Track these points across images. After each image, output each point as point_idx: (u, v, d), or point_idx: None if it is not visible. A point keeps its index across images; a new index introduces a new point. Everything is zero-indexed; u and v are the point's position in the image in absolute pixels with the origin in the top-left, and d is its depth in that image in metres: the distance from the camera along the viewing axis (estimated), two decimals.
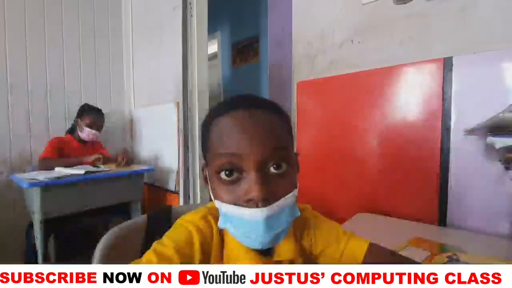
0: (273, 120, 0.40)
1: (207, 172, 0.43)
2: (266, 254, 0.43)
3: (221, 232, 0.43)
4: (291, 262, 0.45)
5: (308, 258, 0.48)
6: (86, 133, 1.74)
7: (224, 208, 0.38)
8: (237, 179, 0.37)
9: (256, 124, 0.38)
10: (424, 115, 0.87)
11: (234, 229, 0.38)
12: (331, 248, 0.46)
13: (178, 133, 1.76)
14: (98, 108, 1.85)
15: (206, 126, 0.42)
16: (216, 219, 0.42)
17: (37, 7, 1.83)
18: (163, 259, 0.36)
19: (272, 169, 0.37)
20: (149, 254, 0.37)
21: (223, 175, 0.38)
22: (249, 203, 0.36)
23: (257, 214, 0.35)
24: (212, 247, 0.42)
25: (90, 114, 1.77)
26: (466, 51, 0.80)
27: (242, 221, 0.36)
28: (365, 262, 0.43)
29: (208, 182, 0.42)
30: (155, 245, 0.38)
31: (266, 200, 0.35)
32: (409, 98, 0.90)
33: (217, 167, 0.38)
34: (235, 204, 0.37)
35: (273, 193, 0.36)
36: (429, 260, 0.58)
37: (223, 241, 0.43)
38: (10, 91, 1.73)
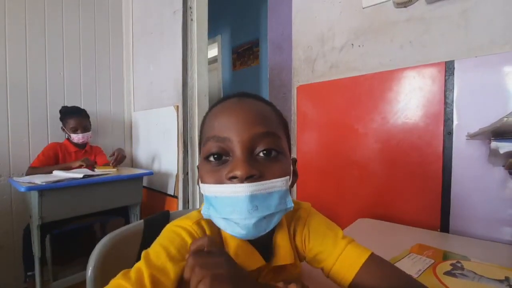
0: (264, 107, 0.40)
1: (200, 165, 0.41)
2: (265, 259, 0.41)
3: (220, 236, 0.41)
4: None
5: (302, 259, 0.45)
6: (75, 138, 1.72)
7: (207, 189, 0.36)
8: (225, 161, 0.36)
9: (245, 108, 0.38)
10: (426, 120, 0.86)
11: (216, 212, 0.36)
12: (325, 252, 0.42)
13: (178, 136, 1.75)
14: (77, 108, 1.79)
15: (202, 121, 0.43)
16: (209, 223, 0.40)
17: (38, 10, 1.83)
18: (155, 270, 0.33)
19: (261, 154, 0.36)
20: (139, 264, 0.34)
21: (211, 159, 0.37)
22: (233, 181, 0.34)
23: (240, 189, 0.33)
24: None
25: (71, 117, 1.71)
26: (468, 55, 0.79)
27: (224, 199, 0.34)
28: (359, 273, 0.39)
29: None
30: (145, 254, 0.35)
31: (251, 178, 0.34)
32: (410, 102, 0.89)
33: (206, 152, 0.37)
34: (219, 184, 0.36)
35: (260, 173, 0.35)
36: (432, 268, 0.56)
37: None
38: (9, 94, 1.72)
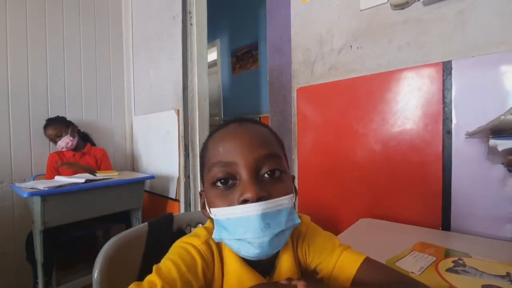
0: (263, 130, 0.42)
1: (204, 195, 0.42)
2: (265, 275, 0.42)
3: (221, 257, 0.42)
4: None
5: (304, 270, 0.46)
6: (59, 147, 1.75)
7: (219, 212, 0.37)
8: (232, 185, 0.37)
9: (246, 132, 0.39)
10: (425, 119, 0.87)
11: (229, 235, 0.37)
12: (323, 263, 0.44)
13: (179, 140, 1.76)
14: (52, 118, 1.79)
15: (203, 147, 0.44)
16: (218, 243, 0.41)
17: (39, 16, 1.85)
18: (167, 283, 0.34)
19: (266, 175, 0.38)
20: (152, 277, 0.35)
21: (219, 184, 0.38)
22: (244, 204, 0.36)
23: (252, 208, 0.35)
24: (214, 273, 0.40)
25: (46, 129, 1.75)
26: (465, 55, 0.80)
27: (237, 220, 0.35)
28: (357, 276, 0.41)
29: (206, 204, 0.41)
30: (156, 268, 0.37)
31: (261, 199, 0.35)
32: (409, 102, 0.90)
33: (212, 177, 0.38)
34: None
35: (268, 194, 0.36)
36: (435, 266, 0.57)
37: (223, 266, 0.41)
38: (11, 100, 1.74)
